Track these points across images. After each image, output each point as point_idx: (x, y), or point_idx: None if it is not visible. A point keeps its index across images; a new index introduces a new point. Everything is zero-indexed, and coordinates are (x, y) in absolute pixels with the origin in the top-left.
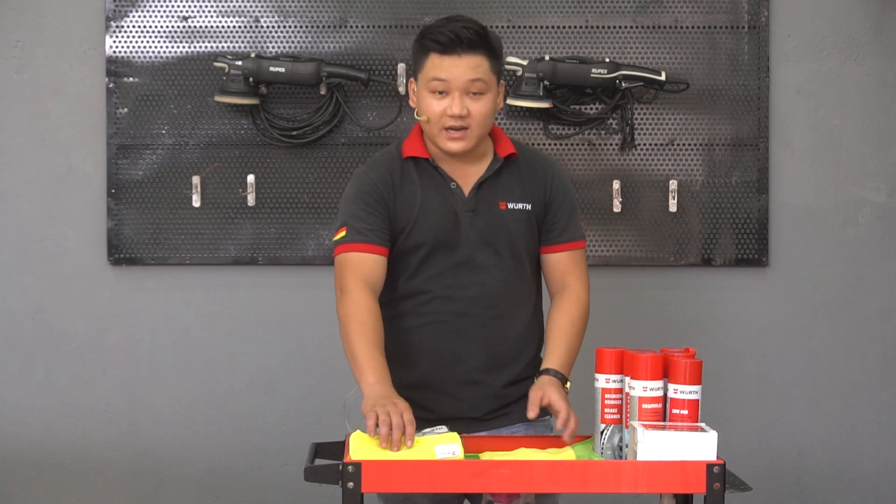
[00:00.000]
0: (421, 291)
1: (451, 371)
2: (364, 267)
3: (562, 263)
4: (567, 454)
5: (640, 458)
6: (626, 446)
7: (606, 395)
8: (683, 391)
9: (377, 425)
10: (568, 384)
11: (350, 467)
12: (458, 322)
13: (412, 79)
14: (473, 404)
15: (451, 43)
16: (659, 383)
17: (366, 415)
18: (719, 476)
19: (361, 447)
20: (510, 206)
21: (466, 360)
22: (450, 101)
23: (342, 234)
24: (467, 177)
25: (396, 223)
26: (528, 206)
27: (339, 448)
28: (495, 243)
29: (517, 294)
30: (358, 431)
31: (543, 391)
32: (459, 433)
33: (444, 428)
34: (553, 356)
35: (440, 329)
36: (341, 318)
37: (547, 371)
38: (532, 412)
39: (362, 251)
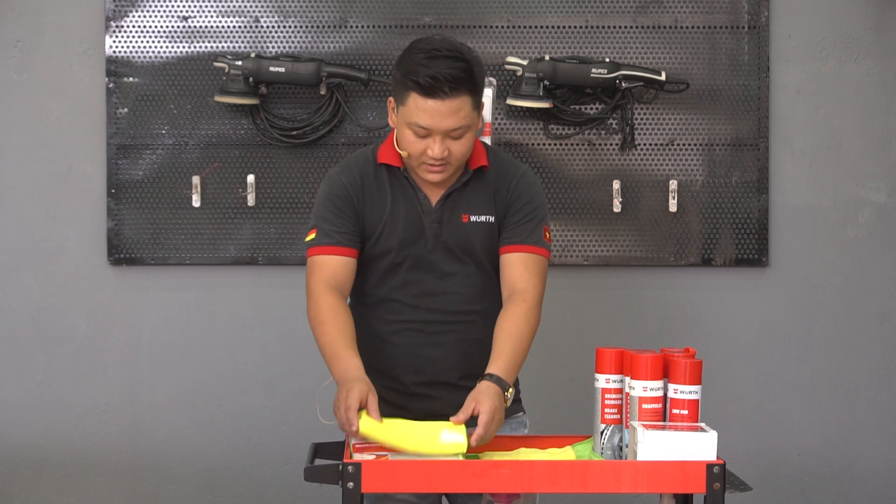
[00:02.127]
0: (389, 300)
1: (424, 374)
2: (329, 269)
3: (513, 265)
4: (567, 454)
5: (640, 458)
6: (626, 446)
7: (606, 395)
8: (683, 391)
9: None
10: (510, 391)
11: (350, 467)
12: (428, 328)
13: (391, 98)
14: (447, 403)
15: (433, 88)
16: (659, 383)
17: None
18: (719, 476)
19: (369, 422)
20: (472, 218)
21: (438, 364)
22: (431, 142)
23: (312, 236)
24: (437, 188)
25: (365, 228)
26: (492, 219)
27: (339, 448)
28: (459, 254)
29: (484, 297)
30: (364, 413)
31: (477, 400)
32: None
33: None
34: (496, 362)
35: (410, 335)
36: (309, 321)
37: (490, 377)
38: (459, 417)
39: (329, 254)
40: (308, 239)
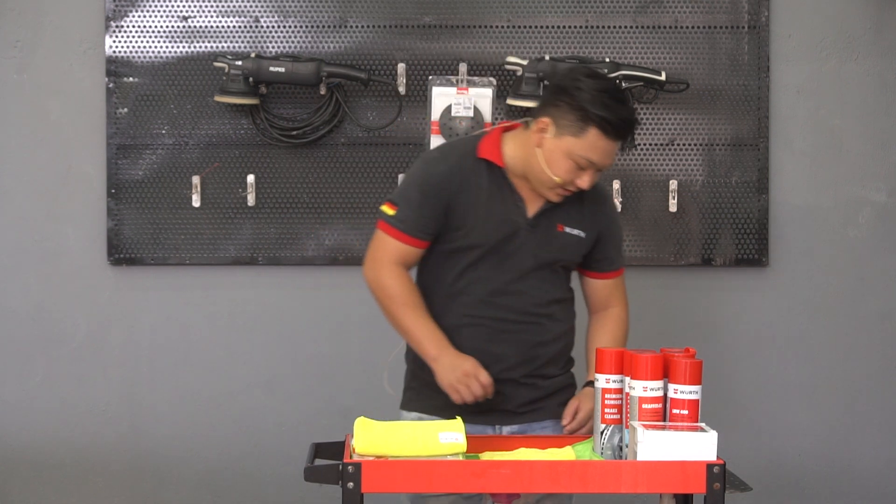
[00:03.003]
0: (465, 293)
1: (489, 370)
2: (400, 253)
3: (606, 288)
4: (567, 454)
5: (640, 458)
6: (626, 446)
7: (606, 396)
8: (683, 391)
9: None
10: None
11: (350, 467)
12: (497, 325)
13: (548, 119)
14: (507, 397)
15: (619, 132)
16: (659, 383)
17: (448, 391)
18: (719, 476)
19: (363, 433)
20: (567, 229)
21: (503, 360)
22: (583, 174)
23: (392, 211)
24: (534, 195)
25: (453, 220)
26: (583, 235)
27: (339, 448)
28: (544, 260)
29: (554, 302)
30: (362, 418)
31: (580, 401)
32: (493, 423)
33: None
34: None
35: (480, 331)
36: (378, 291)
37: (591, 383)
38: (565, 420)
39: (402, 241)
40: (386, 210)
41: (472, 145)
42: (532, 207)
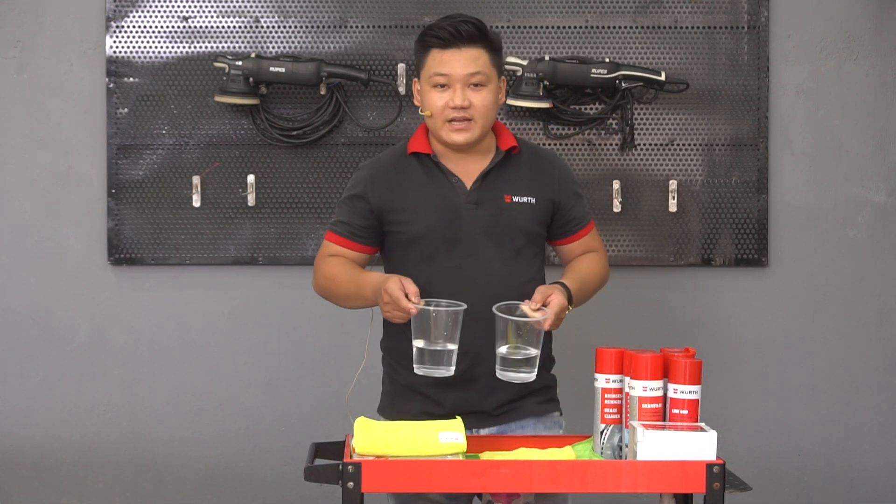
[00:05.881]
0: (427, 288)
1: (460, 366)
2: (335, 252)
3: (580, 246)
4: (567, 454)
5: (639, 457)
6: (626, 446)
7: (606, 395)
8: (683, 391)
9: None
10: (569, 309)
11: (350, 467)
12: (467, 316)
13: (415, 78)
14: (484, 397)
15: (451, 37)
16: (659, 383)
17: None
18: (719, 476)
19: (364, 432)
20: (515, 199)
21: (475, 355)
22: (451, 93)
23: (331, 221)
24: (469, 172)
25: (393, 217)
26: (533, 200)
27: (339, 448)
28: (499, 235)
29: (521, 285)
30: (362, 418)
31: (552, 291)
32: (469, 427)
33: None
34: (566, 277)
35: None
36: (318, 284)
37: (561, 284)
38: (533, 304)
39: (337, 243)
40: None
41: (402, 147)
42: (469, 180)
